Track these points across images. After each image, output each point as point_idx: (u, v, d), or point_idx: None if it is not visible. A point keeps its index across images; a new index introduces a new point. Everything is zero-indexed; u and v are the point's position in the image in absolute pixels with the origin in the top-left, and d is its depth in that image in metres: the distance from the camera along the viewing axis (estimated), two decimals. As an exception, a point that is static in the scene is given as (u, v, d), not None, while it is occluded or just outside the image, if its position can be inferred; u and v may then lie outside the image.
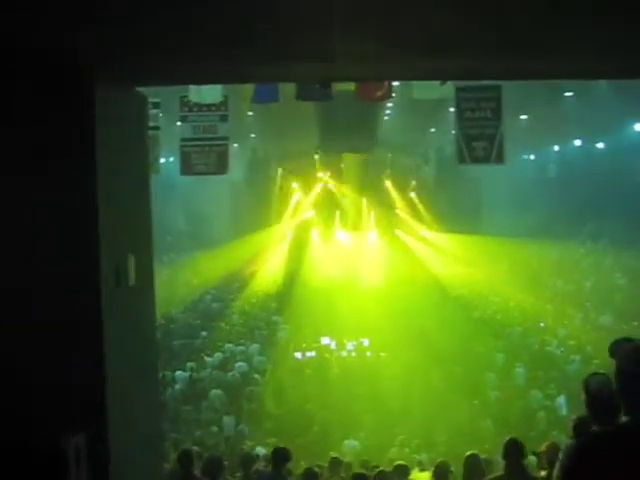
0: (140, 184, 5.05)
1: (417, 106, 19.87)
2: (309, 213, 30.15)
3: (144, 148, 5.21)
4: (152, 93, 13.60)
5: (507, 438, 6.83)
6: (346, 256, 28.01)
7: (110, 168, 4.44)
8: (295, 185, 30.08)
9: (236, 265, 26.85)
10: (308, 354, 19.08)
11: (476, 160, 14.12)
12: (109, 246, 4.36)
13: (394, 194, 29.98)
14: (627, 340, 3.19)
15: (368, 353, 19.29)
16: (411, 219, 29.99)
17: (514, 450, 6.54)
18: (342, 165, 29.30)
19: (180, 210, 30.36)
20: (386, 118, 25.14)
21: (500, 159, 13.98)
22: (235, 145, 25.41)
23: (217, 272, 26.46)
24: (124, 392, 4.43)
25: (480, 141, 13.76)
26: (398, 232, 29.68)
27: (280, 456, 7.48)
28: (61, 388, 4.16)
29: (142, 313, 4.99)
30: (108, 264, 4.35)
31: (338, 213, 30.01)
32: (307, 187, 29.92)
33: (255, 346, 19.26)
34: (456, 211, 27.30)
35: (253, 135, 27.95)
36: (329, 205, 29.81)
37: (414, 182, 30.03)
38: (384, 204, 29.70)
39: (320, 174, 29.81)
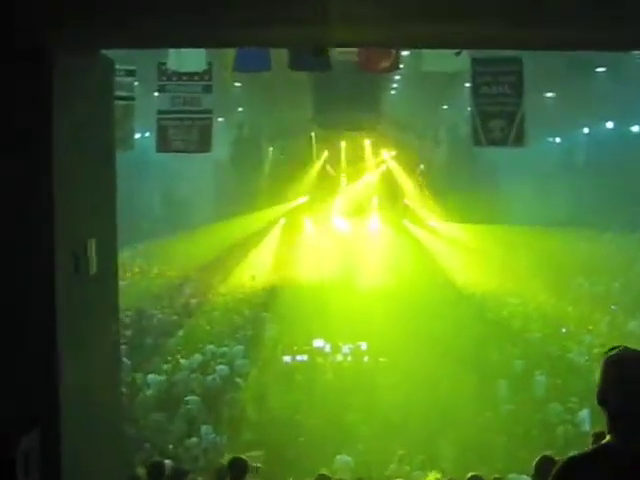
0: (104, 160, 5.06)
1: (428, 80, 19.86)
2: (303, 198, 30.15)
3: (109, 120, 5.22)
4: (127, 59, 13.68)
5: (539, 456, 6.68)
6: (345, 248, 28.04)
7: (69, 141, 4.45)
8: (288, 166, 30.06)
9: (219, 254, 26.89)
10: (299, 358, 19.12)
11: (493, 142, 14.12)
12: (67, 229, 4.37)
13: (400, 178, 29.99)
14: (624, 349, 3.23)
15: (366, 358, 19.34)
16: (419, 207, 30.01)
17: (547, 470, 6.43)
18: (341, 144, 29.29)
19: (156, 192, 30.41)
20: (392, 92, 25.11)
21: (520, 141, 13.98)
22: (220, 119, 25.41)
23: (197, 262, 26.51)
24: (81, 393, 4.46)
25: (498, 120, 13.76)
26: (404, 222, 29.70)
27: (237, 467, 7.61)
28: (9, 386, 4.17)
29: (104, 305, 5.01)
30: (65, 249, 4.36)
31: (336, 199, 30.02)
32: (301, 168, 29.91)
33: (239, 348, 19.31)
34: (471, 199, 27.30)
35: (241, 109, 27.92)
36: (326, 190, 29.79)
37: (423, 165, 30.02)
38: (389, 190, 29.73)
39: (316, 154, 29.78)
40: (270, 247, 28.99)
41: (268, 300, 24.07)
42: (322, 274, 26.33)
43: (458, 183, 28.16)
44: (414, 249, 28.04)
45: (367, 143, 29.25)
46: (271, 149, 30.79)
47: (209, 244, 26.77)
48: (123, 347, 15.50)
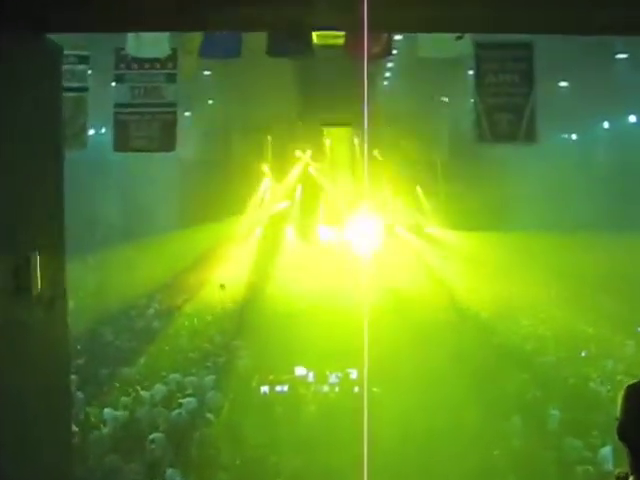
0: (51, 160, 5.03)
1: (425, 67, 19.93)
2: (283, 203, 30.15)
3: (57, 113, 5.19)
4: (77, 44, 13.66)
5: None
6: (330, 260, 28.04)
7: (9, 139, 4.41)
8: (265, 167, 30.05)
9: (185, 268, 26.83)
10: (278, 388, 19.10)
11: (500, 137, 14.20)
12: (6, 242, 4.33)
13: (394, 180, 30.03)
14: None
15: (356, 388, 19.31)
16: (416, 212, 30.08)
17: None
18: (327, 142, 29.33)
19: (113, 197, 30.28)
20: (385, 83, 25.19)
21: (531, 137, 14.06)
22: (187, 114, 25.41)
23: (160, 277, 26.42)
24: (25, 430, 4.41)
25: (505, 113, 13.85)
26: (399, 229, 29.75)
27: None
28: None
29: (51, 329, 4.96)
30: (4, 265, 4.32)
31: (320, 204, 30.03)
32: (281, 169, 29.92)
33: (209, 377, 19.26)
34: (474, 202, 27.42)
35: (210, 101, 27.91)
36: (309, 193, 29.82)
37: (420, 165, 30.09)
38: (381, 193, 29.77)
39: (298, 153, 29.80)
40: (244, 260, 28.95)
41: (242, 322, 24.04)
42: (304, 291, 26.30)
43: (460, 185, 28.27)
44: (410, 261, 28.08)
45: (356, 140, 29.31)
46: (245, 146, 30.74)
47: (174, 256, 26.74)
48: (74, 378, 15.42)
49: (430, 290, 26.10)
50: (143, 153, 16.02)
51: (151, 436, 15.62)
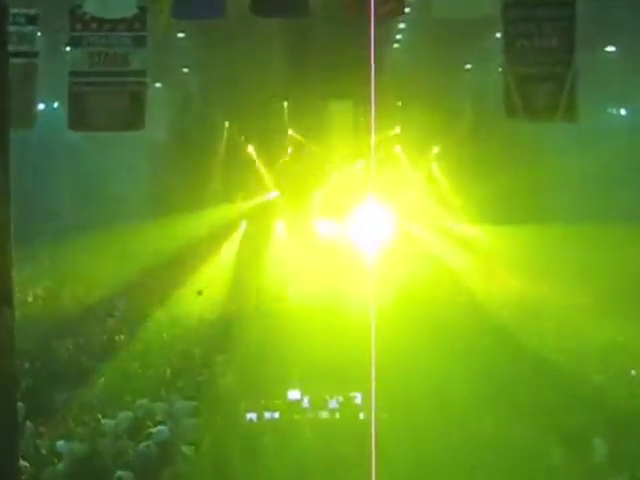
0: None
1: (443, 29, 19.94)
2: (273, 192, 30.21)
3: (2, 85, 5.11)
4: (25, 1, 13.61)
5: None
6: (329, 259, 28.07)
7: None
8: (251, 148, 30.08)
9: (155, 271, 26.82)
10: (268, 415, 19.10)
11: (534, 113, 14.20)
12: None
13: (406, 164, 30.09)
14: None
15: (362, 415, 19.31)
16: (432, 203, 30.14)
17: None
18: (325, 119, 29.36)
19: (69, 185, 30.28)
20: (395, 46, 25.18)
21: (572, 114, 14.06)
22: (158, 85, 25.36)
23: (125, 282, 26.39)
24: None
25: (542, 84, 13.84)
26: (410, 223, 29.79)
27: None
28: None
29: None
30: None
31: (318, 194, 30.07)
32: (270, 151, 29.95)
33: (184, 403, 19.22)
34: (503, 191, 27.43)
35: (186, 69, 27.90)
36: (304, 180, 29.85)
37: (437, 146, 30.10)
38: (390, 179, 29.79)
39: (291, 132, 29.82)
40: (226, 259, 28.97)
41: (224, 334, 24.02)
42: (297, 296, 26.32)
43: (485, 169, 28.28)
44: (425, 260, 28.13)
45: (360, 117, 29.32)
46: (228, 125, 30.78)
47: (141, 256, 26.73)
48: (21, 405, 15.34)
49: (446, 293, 26.21)
50: (105, 132, 15.92)
51: (117, 474, 15.59)
